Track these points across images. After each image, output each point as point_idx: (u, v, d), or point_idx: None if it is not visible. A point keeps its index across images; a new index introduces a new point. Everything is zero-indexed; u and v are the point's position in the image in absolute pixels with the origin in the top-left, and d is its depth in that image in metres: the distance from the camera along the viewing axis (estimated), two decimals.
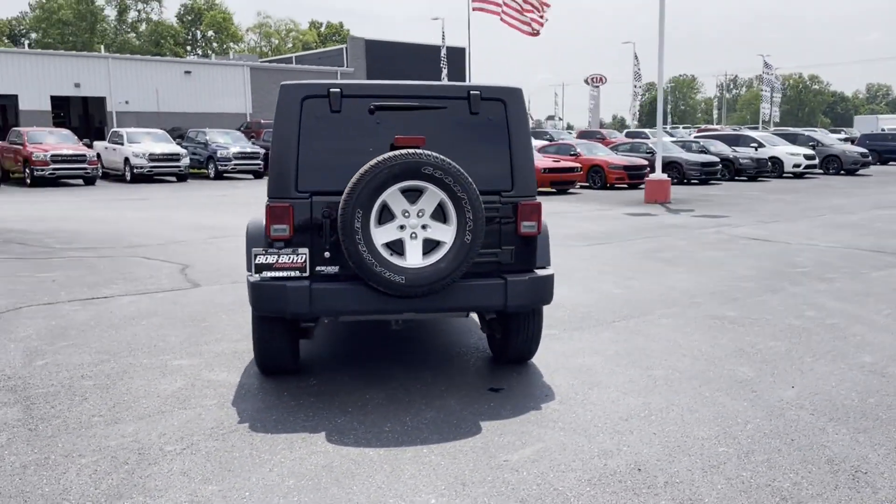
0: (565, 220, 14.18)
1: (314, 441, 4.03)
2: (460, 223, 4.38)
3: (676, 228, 13.09)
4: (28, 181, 23.09)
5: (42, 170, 22.70)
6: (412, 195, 4.41)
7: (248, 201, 17.92)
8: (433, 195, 4.39)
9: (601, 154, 23.11)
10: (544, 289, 4.74)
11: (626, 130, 40.22)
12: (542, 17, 20.13)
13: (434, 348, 5.84)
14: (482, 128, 4.72)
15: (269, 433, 4.14)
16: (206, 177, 27.38)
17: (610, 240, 11.69)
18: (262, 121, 35.59)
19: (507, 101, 4.76)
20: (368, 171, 4.27)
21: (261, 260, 4.44)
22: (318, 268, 4.53)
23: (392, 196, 4.36)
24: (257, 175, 27.33)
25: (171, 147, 25.73)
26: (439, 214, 4.45)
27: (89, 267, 9.23)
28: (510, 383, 4.99)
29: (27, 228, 12.84)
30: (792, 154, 27.05)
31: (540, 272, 4.78)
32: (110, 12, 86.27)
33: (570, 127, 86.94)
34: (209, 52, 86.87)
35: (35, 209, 16.30)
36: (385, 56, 52.61)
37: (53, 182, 23.39)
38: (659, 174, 18.42)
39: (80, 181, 23.93)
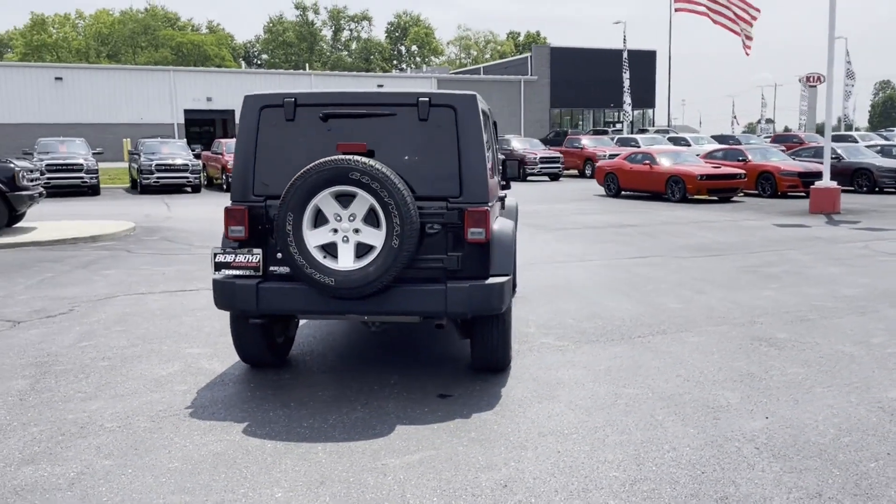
0: (693, 230, 13.34)
1: (230, 430, 4.28)
2: (389, 228, 4.43)
3: (815, 241, 11.84)
4: (224, 186, 25.77)
5: None
6: (346, 200, 4.54)
7: None
8: (363, 200, 4.48)
9: (774, 159, 21.31)
10: (489, 297, 4.63)
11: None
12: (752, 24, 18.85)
13: (420, 353, 5.86)
14: (431, 134, 4.72)
15: (201, 419, 4.45)
16: None
17: (725, 251, 10.86)
18: None
19: (457, 108, 4.72)
20: (300, 177, 4.46)
21: (219, 259, 4.78)
22: (271, 268, 4.80)
23: (324, 200, 4.51)
24: None
25: None
26: (372, 219, 4.53)
27: (204, 262, 10.22)
28: (465, 391, 4.92)
29: (185, 227, 14.42)
30: None
31: (492, 280, 4.68)
32: (327, 32, 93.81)
33: (786, 129, 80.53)
34: (412, 65, 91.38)
35: (209, 211, 18.14)
36: (570, 62, 52.22)
37: None
38: (826, 181, 16.67)
39: None
